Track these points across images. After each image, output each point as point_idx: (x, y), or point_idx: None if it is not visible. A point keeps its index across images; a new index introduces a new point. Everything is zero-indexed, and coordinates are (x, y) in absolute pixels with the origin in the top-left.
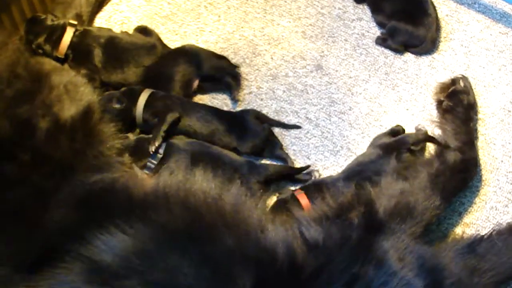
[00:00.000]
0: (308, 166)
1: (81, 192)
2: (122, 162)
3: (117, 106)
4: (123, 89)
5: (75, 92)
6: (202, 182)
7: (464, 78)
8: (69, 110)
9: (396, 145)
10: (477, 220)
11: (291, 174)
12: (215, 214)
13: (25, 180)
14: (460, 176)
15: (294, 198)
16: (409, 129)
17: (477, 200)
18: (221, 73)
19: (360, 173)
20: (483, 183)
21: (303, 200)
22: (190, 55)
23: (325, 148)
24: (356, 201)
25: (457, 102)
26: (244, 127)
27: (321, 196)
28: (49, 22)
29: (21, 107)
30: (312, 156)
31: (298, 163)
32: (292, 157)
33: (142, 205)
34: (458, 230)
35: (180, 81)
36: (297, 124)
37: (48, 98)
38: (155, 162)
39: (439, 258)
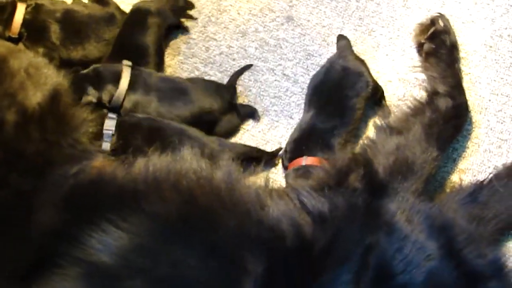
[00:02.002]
0: (279, 149)
1: (64, 188)
2: (101, 148)
3: (90, 98)
4: (94, 67)
5: (38, 76)
6: (192, 161)
7: (442, 16)
8: (34, 97)
9: (339, 52)
10: (472, 165)
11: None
12: (211, 196)
13: (1, 182)
14: (453, 122)
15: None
16: (391, 76)
17: (469, 144)
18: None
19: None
20: (473, 126)
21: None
22: (150, 14)
23: None
24: (354, 163)
25: (440, 44)
26: None
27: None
28: None
29: None
30: (295, 116)
31: (281, 124)
32: (274, 118)
33: (132, 194)
34: (455, 178)
35: (153, 47)
36: (275, 82)
37: (10, 86)
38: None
39: (445, 214)
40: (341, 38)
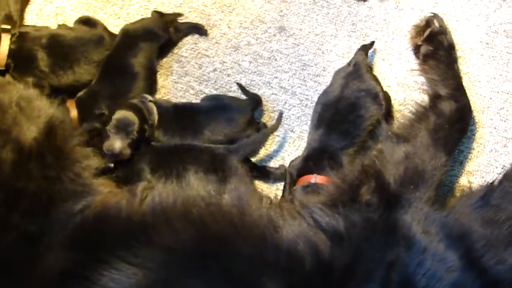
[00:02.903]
0: (281, 115)
1: (70, 226)
2: (102, 181)
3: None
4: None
5: (30, 109)
6: (198, 187)
7: (436, 16)
8: (29, 132)
9: (356, 68)
10: (480, 166)
11: (265, 171)
12: (223, 223)
13: (5, 225)
14: (458, 126)
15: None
16: (390, 81)
17: (475, 145)
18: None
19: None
20: (477, 126)
21: (309, 178)
22: (141, 36)
23: (308, 117)
24: (364, 175)
25: (437, 45)
26: None
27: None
28: None
29: None
30: (296, 128)
31: (282, 138)
32: (275, 133)
33: (141, 227)
34: (463, 181)
35: (143, 71)
36: (273, 95)
37: (3, 123)
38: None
39: (461, 222)
40: (359, 52)
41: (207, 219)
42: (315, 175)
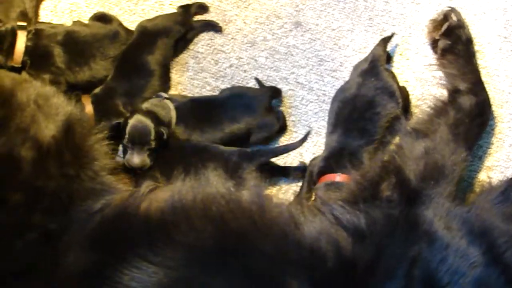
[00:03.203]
0: (307, 134)
1: (90, 225)
2: (121, 178)
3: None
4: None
5: (48, 107)
6: (217, 184)
7: (454, 10)
8: (48, 130)
9: (372, 66)
10: (499, 161)
11: (285, 170)
12: (243, 220)
13: (26, 225)
14: (478, 120)
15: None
16: (408, 76)
17: (494, 140)
18: (188, 25)
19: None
20: (496, 121)
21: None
22: (158, 33)
23: (325, 113)
24: (384, 172)
25: (456, 39)
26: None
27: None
28: None
29: None
30: (313, 124)
31: (300, 135)
32: (292, 129)
33: (161, 225)
34: (483, 176)
35: (159, 68)
36: (290, 91)
37: (22, 121)
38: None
39: (483, 217)
40: (377, 47)
41: (227, 216)
42: (339, 173)
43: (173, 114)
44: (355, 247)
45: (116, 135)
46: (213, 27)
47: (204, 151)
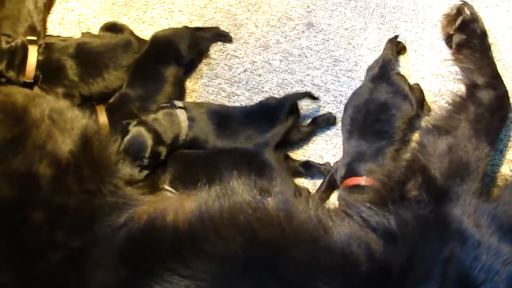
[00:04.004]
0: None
1: (116, 241)
2: (142, 189)
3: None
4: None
5: (63, 121)
6: (243, 192)
7: (466, 4)
8: (65, 145)
9: (383, 71)
10: None
11: (308, 167)
12: (271, 228)
13: (49, 244)
14: (499, 114)
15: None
16: (423, 72)
17: None
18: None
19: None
20: None
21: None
22: (169, 45)
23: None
24: (409, 171)
25: (471, 34)
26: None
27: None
28: (4, 45)
29: (14, 159)
30: (332, 126)
31: (320, 137)
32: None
33: (190, 237)
34: (505, 169)
35: (172, 78)
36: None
37: (38, 138)
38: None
39: (509, 212)
40: (385, 51)
41: (255, 225)
42: (364, 177)
43: (184, 125)
44: (387, 249)
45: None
46: (223, 36)
47: (219, 154)
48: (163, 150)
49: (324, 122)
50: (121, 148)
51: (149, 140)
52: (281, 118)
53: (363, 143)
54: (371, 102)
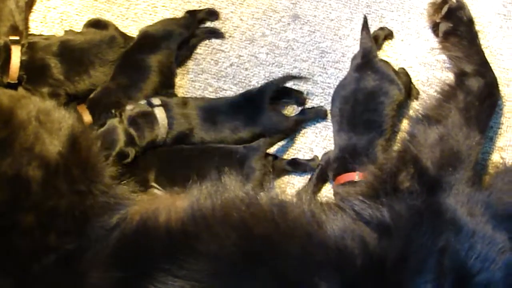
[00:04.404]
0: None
1: (109, 243)
2: (131, 188)
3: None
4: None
5: (50, 122)
6: (235, 188)
7: None
8: (53, 146)
9: (365, 60)
10: (510, 141)
11: (296, 164)
12: (265, 223)
13: (42, 248)
14: (488, 102)
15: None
16: (411, 61)
17: (503, 120)
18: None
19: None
20: (503, 100)
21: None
22: (160, 39)
23: None
24: (400, 162)
25: (457, 21)
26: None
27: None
28: None
29: (2, 162)
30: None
31: (309, 130)
32: (301, 125)
33: (183, 237)
34: (496, 157)
35: (158, 65)
36: (294, 86)
37: (25, 140)
38: None
39: (504, 200)
40: (363, 41)
41: (249, 221)
42: (358, 172)
43: (164, 123)
44: (381, 242)
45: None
46: (216, 34)
47: (207, 152)
48: (131, 152)
49: (313, 114)
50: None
51: (120, 140)
52: (265, 106)
53: (354, 136)
54: (358, 92)
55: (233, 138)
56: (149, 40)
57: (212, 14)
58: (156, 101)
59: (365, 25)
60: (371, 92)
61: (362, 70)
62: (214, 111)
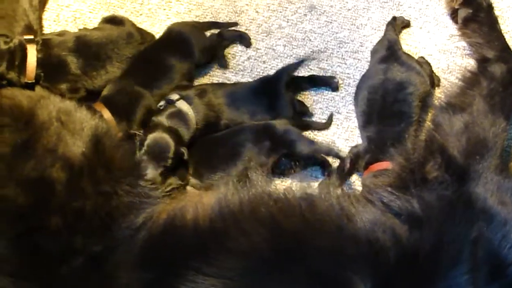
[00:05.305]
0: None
1: (136, 243)
2: (157, 186)
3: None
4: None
5: (72, 122)
6: (262, 184)
7: None
8: (76, 147)
9: (390, 52)
10: None
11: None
12: (294, 218)
13: (69, 249)
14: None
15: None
16: (430, 49)
17: None
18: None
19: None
20: None
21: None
22: (185, 40)
23: (352, 96)
24: (427, 152)
25: (476, 7)
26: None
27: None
28: (3, 46)
29: (26, 164)
30: (342, 109)
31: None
32: (321, 116)
33: (211, 234)
34: None
35: (179, 64)
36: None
37: (48, 141)
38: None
39: None
40: (388, 33)
41: (278, 217)
42: (390, 162)
43: (191, 114)
44: (413, 234)
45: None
46: (243, 39)
47: (236, 134)
48: (184, 150)
49: (323, 83)
50: (142, 153)
51: (171, 142)
52: (281, 91)
53: (383, 127)
54: (387, 82)
55: (251, 122)
56: (176, 38)
57: (243, 38)
58: (174, 96)
59: (391, 20)
60: (399, 83)
61: (388, 61)
62: (236, 96)
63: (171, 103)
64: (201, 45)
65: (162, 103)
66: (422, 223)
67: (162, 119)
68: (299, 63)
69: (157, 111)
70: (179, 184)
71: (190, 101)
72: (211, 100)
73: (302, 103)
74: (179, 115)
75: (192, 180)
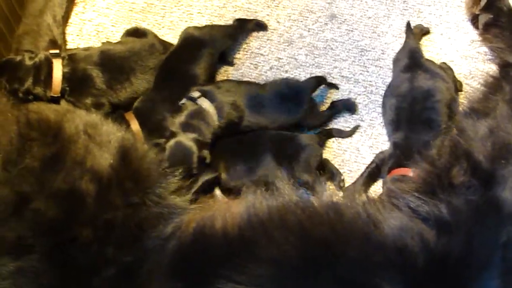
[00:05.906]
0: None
1: (166, 252)
2: (186, 196)
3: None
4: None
5: (99, 135)
6: (289, 192)
7: None
8: (104, 159)
9: (413, 61)
10: None
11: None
12: (322, 226)
13: (101, 261)
14: None
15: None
16: (452, 55)
17: None
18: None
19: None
20: None
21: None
22: (202, 44)
23: (375, 104)
24: (452, 157)
25: (497, 12)
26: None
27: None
28: (28, 62)
29: (56, 178)
30: (365, 117)
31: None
32: (344, 125)
33: (241, 242)
34: None
35: (204, 77)
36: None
37: (76, 154)
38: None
39: None
40: (410, 41)
41: (306, 225)
42: (413, 169)
43: (212, 111)
44: (441, 239)
45: None
46: (260, 26)
47: (260, 138)
48: (207, 154)
49: (343, 107)
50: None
51: (193, 148)
52: (305, 101)
53: (412, 135)
54: (415, 90)
55: (272, 127)
56: (191, 44)
57: (261, 26)
58: (195, 93)
59: (408, 27)
60: (427, 91)
61: (412, 70)
62: (259, 99)
63: (192, 100)
64: (221, 31)
65: (183, 100)
66: (451, 228)
67: (181, 119)
68: (326, 80)
69: (177, 108)
70: (212, 176)
71: (213, 98)
72: (236, 100)
73: (323, 113)
74: (199, 113)
75: (223, 175)
